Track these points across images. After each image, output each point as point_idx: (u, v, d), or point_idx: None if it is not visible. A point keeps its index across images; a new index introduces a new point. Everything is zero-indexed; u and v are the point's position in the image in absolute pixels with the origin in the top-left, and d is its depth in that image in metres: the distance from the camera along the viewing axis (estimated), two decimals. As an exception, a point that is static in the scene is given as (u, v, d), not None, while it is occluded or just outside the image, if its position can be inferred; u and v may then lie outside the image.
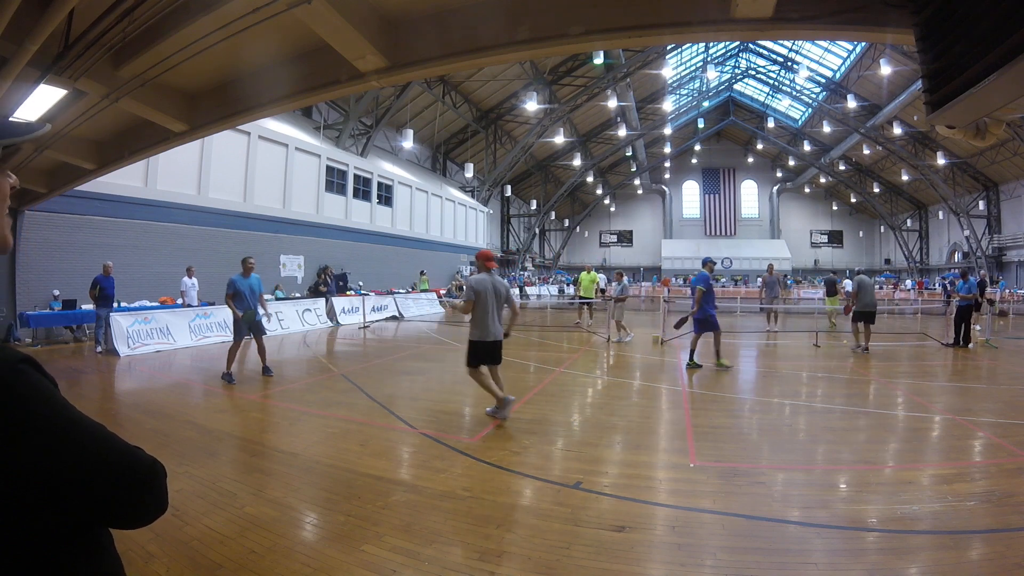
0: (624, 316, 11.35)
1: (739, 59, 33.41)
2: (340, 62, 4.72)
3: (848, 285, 28.31)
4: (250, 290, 7.07)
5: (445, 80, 23.69)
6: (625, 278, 12.01)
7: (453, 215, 27.75)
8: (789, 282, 30.84)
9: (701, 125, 38.42)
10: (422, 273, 22.49)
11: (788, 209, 45.42)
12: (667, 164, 42.63)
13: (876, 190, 37.97)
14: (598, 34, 4.04)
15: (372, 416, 5.39)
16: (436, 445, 4.45)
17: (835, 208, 45.05)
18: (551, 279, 36.99)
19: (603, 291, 23.69)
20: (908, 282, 33.16)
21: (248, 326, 7.02)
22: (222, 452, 4.31)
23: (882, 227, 42.70)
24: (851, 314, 9.95)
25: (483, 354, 5.12)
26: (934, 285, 31.40)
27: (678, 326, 8.86)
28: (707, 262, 8.39)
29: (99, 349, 9.53)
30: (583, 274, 15.15)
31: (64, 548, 0.69)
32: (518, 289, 27.22)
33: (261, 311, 7.21)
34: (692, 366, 7.82)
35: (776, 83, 32.48)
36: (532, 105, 21.67)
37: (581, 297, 14.97)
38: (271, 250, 16.01)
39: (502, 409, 5.09)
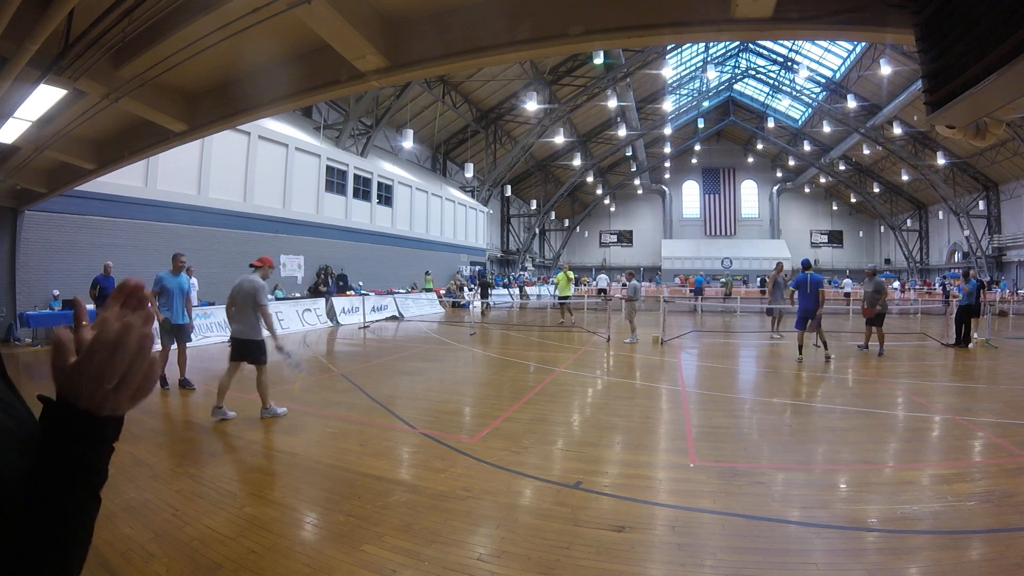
0: (636, 316, 11.39)
1: (739, 59, 33.40)
2: (340, 62, 4.71)
3: (849, 285, 28.18)
4: (179, 290, 6.59)
5: (445, 80, 23.69)
6: (635, 279, 12.10)
7: (453, 215, 27.74)
8: (791, 283, 30.84)
9: (701, 125, 38.40)
10: (427, 274, 23.25)
11: (788, 209, 45.40)
12: (667, 164, 42.60)
13: (876, 190, 37.95)
14: (598, 34, 4.03)
15: (372, 416, 5.39)
16: (436, 445, 4.44)
17: (835, 208, 45.04)
18: (551, 279, 37.01)
19: (603, 291, 23.68)
20: (895, 284, 33.18)
21: (171, 332, 6.54)
22: (222, 452, 4.31)
23: (882, 227, 42.69)
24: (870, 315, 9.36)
25: None
26: (934, 285, 31.40)
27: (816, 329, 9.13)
28: (809, 263, 9.06)
29: (99, 349, 9.51)
30: (560, 274, 15.35)
31: None
32: (519, 288, 27.26)
33: (187, 315, 6.74)
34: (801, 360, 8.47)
35: (776, 83, 32.46)
36: (532, 105, 21.66)
37: (560, 297, 15.18)
38: (271, 250, 15.97)
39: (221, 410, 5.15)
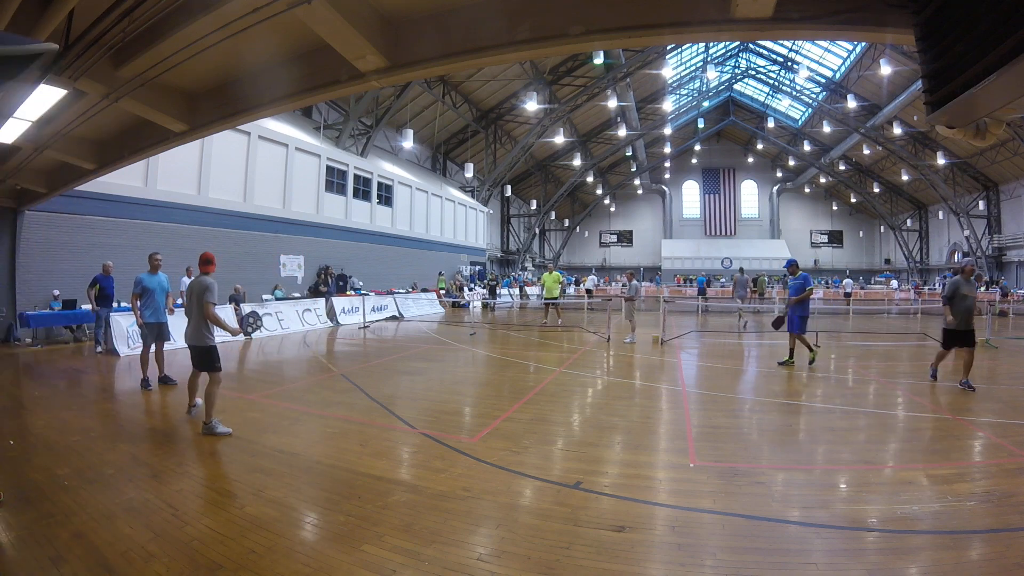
0: (635, 315, 11.51)
1: (739, 59, 33.41)
2: (340, 62, 4.71)
3: (849, 285, 28.08)
4: (159, 288, 6.64)
5: (445, 80, 23.69)
6: (635, 279, 12.29)
7: (453, 215, 27.74)
8: (798, 283, 30.82)
9: (701, 125, 38.40)
10: (440, 274, 24.40)
11: (788, 209, 45.40)
12: (667, 164, 42.62)
13: (876, 190, 37.96)
14: (598, 34, 4.03)
15: (372, 416, 5.39)
16: (436, 445, 4.45)
17: (835, 208, 45.06)
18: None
19: (589, 291, 23.79)
20: (893, 283, 33.12)
21: (153, 333, 6.64)
22: (222, 452, 4.31)
23: (882, 227, 42.70)
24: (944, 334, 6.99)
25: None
26: (933, 285, 31.44)
27: (777, 326, 8.80)
28: (795, 264, 8.79)
29: (99, 349, 9.52)
30: (546, 275, 15.27)
31: None
32: (518, 289, 27.28)
33: (168, 313, 6.76)
34: (788, 363, 8.25)
35: (776, 83, 32.47)
36: (532, 105, 21.67)
37: (546, 298, 15.09)
38: (271, 250, 16.01)
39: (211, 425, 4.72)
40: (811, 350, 8.28)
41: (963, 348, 6.59)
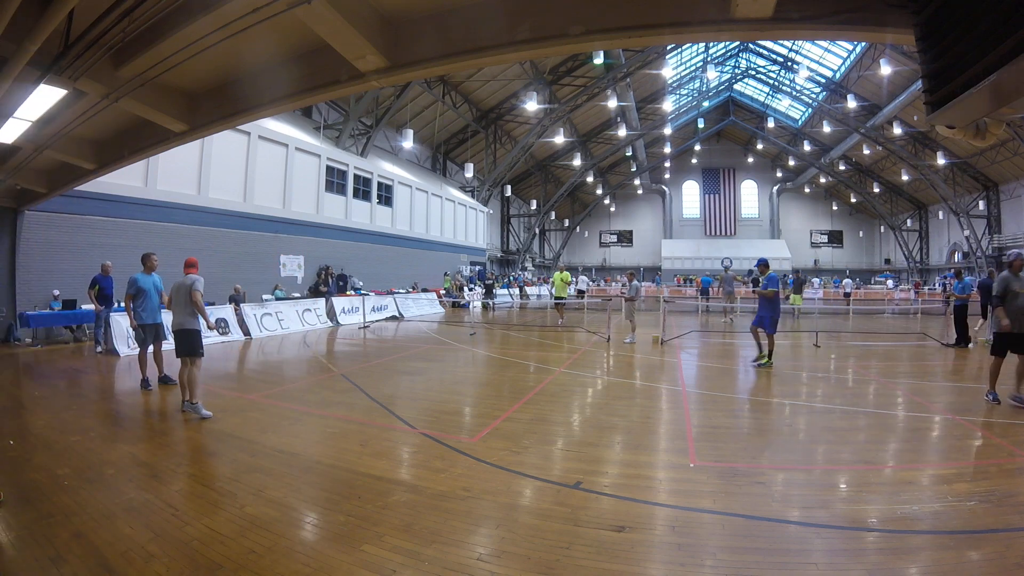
0: (635, 315, 11.52)
1: (739, 59, 33.41)
2: (340, 62, 4.71)
3: (849, 285, 28.02)
4: (154, 289, 6.66)
5: (445, 80, 23.69)
6: (636, 279, 12.31)
7: (453, 215, 27.74)
8: (790, 281, 30.90)
9: (701, 125, 38.41)
10: (446, 274, 24.86)
11: (788, 209, 45.41)
12: (667, 164, 42.63)
13: (876, 190, 37.97)
14: (598, 34, 4.03)
15: (372, 416, 5.39)
16: (436, 445, 4.45)
17: (835, 208, 45.07)
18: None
19: (581, 292, 23.96)
20: (889, 283, 32.97)
21: (150, 334, 6.69)
22: (222, 452, 4.31)
23: (882, 227, 42.71)
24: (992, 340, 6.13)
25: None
26: (933, 285, 31.44)
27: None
28: (766, 263, 8.57)
29: (99, 349, 9.52)
30: (556, 273, 15.34)
31: None
32: (518, 289, 27.29)
33: (163, 313, 6.73)
34: (766, 365, 8.02)
35: (776, 83, 32.47)
36: (532, 105, 21.68)
37: (556, 297, 15.19)
38: (271, 250, 16.01)
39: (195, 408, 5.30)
40: (767, 356, 8.08)
41: (1019, 354, 5.54)
